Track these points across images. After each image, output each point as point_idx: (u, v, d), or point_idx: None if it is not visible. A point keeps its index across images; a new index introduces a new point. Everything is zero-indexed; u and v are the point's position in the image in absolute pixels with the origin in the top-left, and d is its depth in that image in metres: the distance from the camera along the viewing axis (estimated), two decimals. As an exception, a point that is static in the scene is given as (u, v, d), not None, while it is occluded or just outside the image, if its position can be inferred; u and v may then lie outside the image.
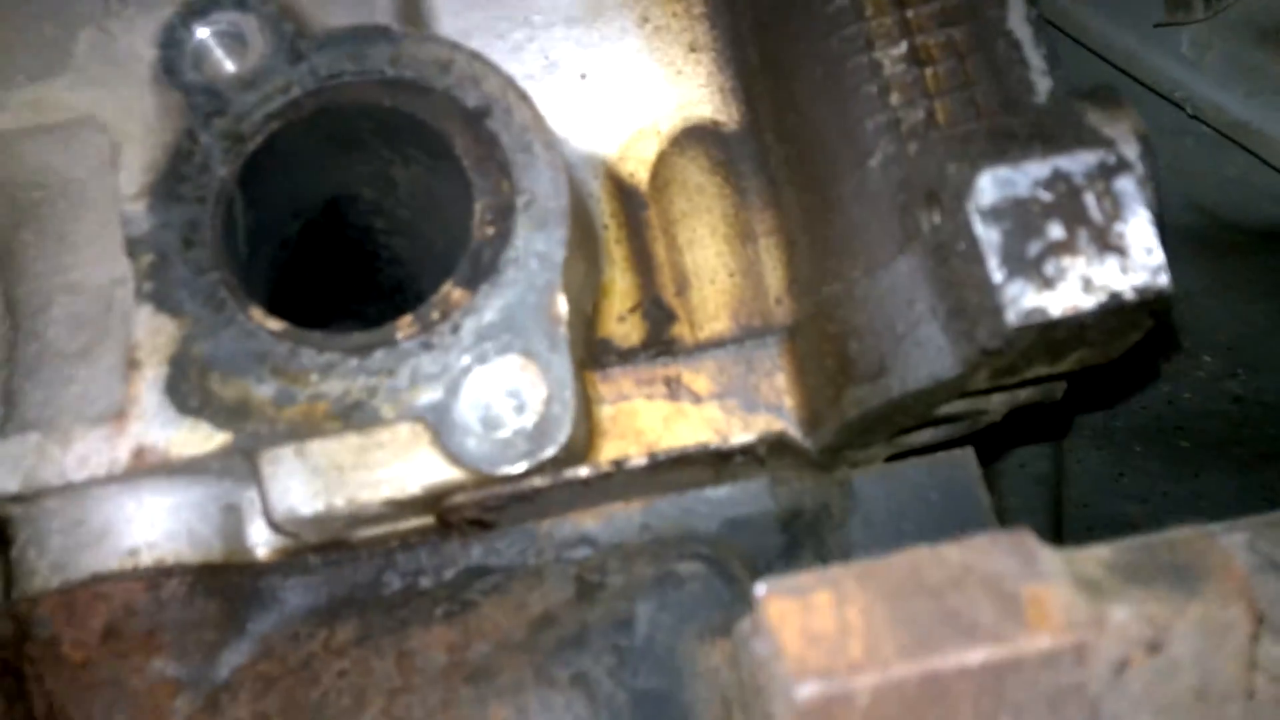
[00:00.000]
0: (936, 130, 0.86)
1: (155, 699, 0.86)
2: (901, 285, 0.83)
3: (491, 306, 0.89)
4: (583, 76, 1.06)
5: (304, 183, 1.02)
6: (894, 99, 0.88)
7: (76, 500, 0.87)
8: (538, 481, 0.89)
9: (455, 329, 0.89)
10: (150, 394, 0.88)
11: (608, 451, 0.94)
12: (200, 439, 0.87)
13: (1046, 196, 0.75)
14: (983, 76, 0.88)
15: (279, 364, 0.89)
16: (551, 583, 0.92)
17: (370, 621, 0.90)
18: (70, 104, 0.94)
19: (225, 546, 0.91)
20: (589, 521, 0.96)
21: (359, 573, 0.93)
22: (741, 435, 0.94)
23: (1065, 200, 0.74)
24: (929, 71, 0.89)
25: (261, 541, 0.93)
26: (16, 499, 0.86)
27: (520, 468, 0.86)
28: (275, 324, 0.89)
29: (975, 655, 0.58)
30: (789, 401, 0.96)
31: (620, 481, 0.93)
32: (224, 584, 0.90)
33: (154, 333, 0.89)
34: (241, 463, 0.89)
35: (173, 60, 0.95)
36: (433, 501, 0.90)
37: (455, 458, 0.87)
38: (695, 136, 1.06)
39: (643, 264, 1.05)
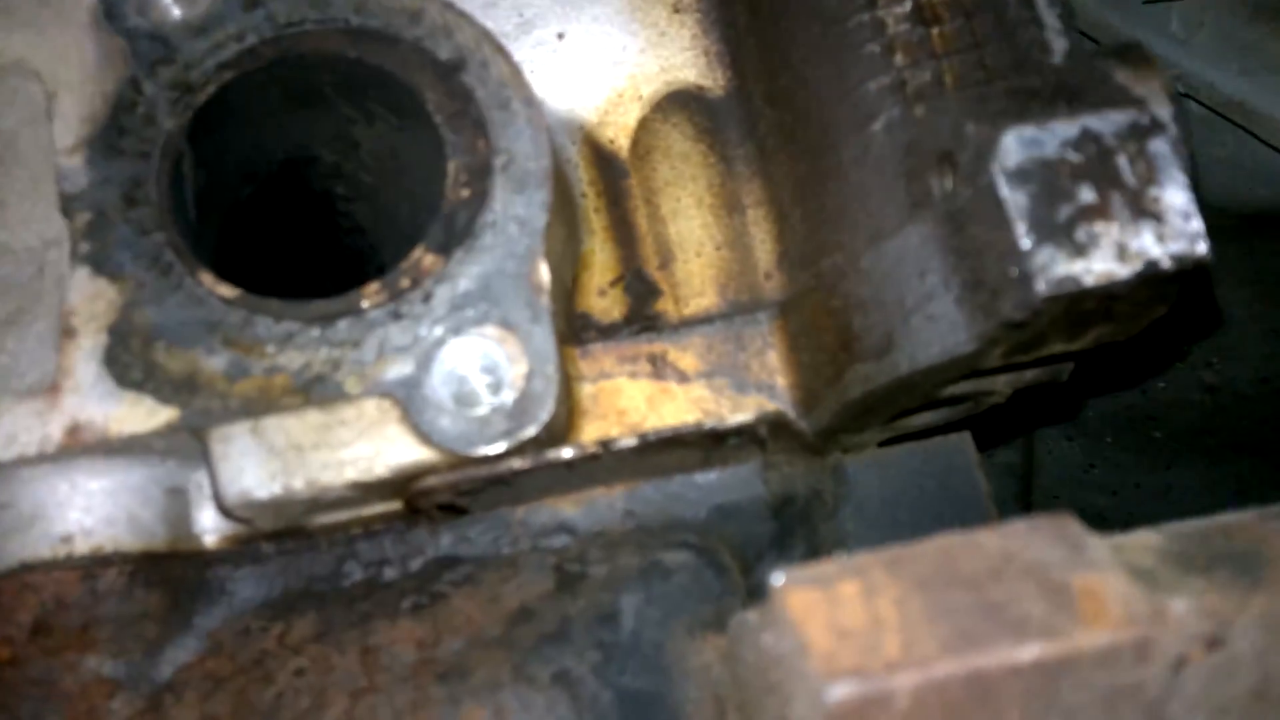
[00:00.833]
0: (945, 92, 0.84)
1: (90, 700, 0.82)
2: (911, 256, 0.80)
3: (467, 274, 0.86)
4: (560, 36, 1.05)
5: (259, 141, 0.98)
6: (899, 59, 0.86)
7: (3, 482, 0.84)
8: (517, 464, 0.85)
9: (427, 297, 0.86)
10: (87, 365, 0.84)
11: (588, 433, 0.92)
12: (142, 415, 0.83)
13: (1076, 158, 0.72)
14: (993, 35, 0.86)
15: (231, 334, 0.85)
16: (528, 574, 0.90)
17: (330, 616, 0.88)
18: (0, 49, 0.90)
19: (169, 534, 0.88)
20: (568, 508, 0.94)
21: (318, 563, 0.91)
22: (736, 416, 0.92)
23: (1096, 162, 0.72)
24: (935, 31, 0.86)
25: (210, 528, 0.90)
26: None
27: (498, 448, 0.83)
28: (228, 290, 0.85)
29: (1026, 653, 0.53)
30: (782, 381, 0.94)
31: (605, 464, 0.90)
32: (167, 575, 0.87)
33: (91, 298, 0.85)
34: (189, 442, 0.86)
35: (115, 3, 0.91)
36: (401, 485, 0.86)
37: (426, 437, 0.84)
38: (679, 101, 1.05)
39: (624, 235, 1.04)
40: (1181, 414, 1.97)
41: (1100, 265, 0.69)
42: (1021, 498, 2.21)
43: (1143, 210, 0.70)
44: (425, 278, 0.85)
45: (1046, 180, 0.71)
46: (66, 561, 0.84)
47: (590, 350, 0.94)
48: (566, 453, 0.87)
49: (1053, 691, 0.54)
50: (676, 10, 1.06)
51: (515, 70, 0.91)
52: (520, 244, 0.86)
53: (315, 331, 0.85)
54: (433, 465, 0.84)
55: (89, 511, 0.85)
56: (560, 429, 0.87)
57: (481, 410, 0.83)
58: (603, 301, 1.01)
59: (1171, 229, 0.70)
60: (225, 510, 0.85)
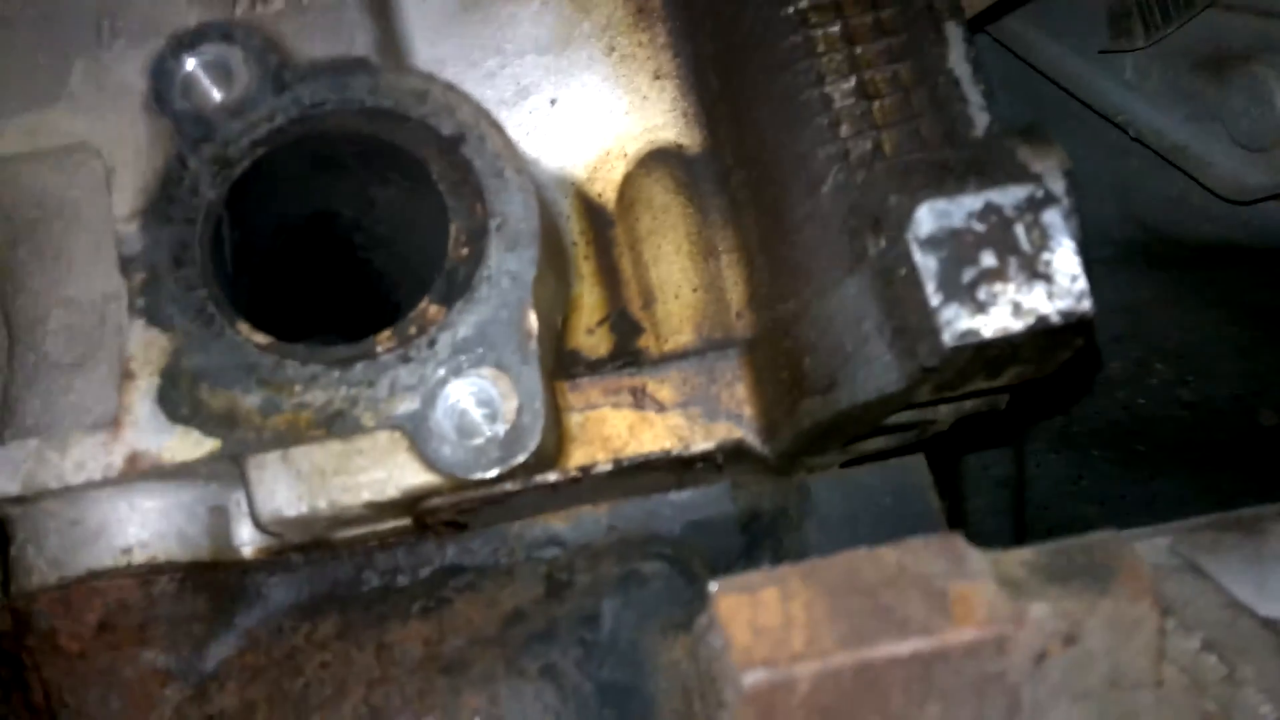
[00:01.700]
0: (883, 160, 0.90)
1: (147, 688, 0.89)
2: (850, 305, 0.87)
3: (466, 322, 0.94)
4: (553, 102, 1.10)
5: (287, 202, 1.06)
6: (844, 130, 0.92)
7: (73, 502, 0.91)
8: (509, 486, 0.93)
9: (432, 343, 0.93)
10: (143, 403, 0.91)
11: (576, 457, 0.98)
12: (190, 445, 0.90)
13: (980, 227, 0.79)
14: (926, 110, 0.92)
15: (265, 375, 0.92)
16: (522, 581, 0.96)
17: (350, 617, 0.94)
18: (66, 130, 0.97)
19: (213, 546, 0.95)
20: (558, 523, 0.99)
21: (339, 571, 0.97)
22: (702, 443, 0.98)
23: (997, 231, 0.79)
24: (876, 105, 0.93)
25: (247, 541, 0.96)
26: (16, 500, 0.90)
27: (493, 473, 0.90)
28: (261, 338, 0.93)
29: (905, 646, 0.64)
30: (748, 410, 1.00)
31: (587, 486, 0.97)
32: (212, 581, 0.93)
33: (146, 346, 0.93)
34: (229, 467, 0.92)
35: (163, 89, 0.98)
36: (410, 504, 0.94)
37: (431, 463, 0.91)
38: (660, 158, 1.09)
39: (610, 279, 1.09)
40: (1163, 428, 2.01)
41: (998, 320, 0.77)
42: (1015, 509, 2.26)
43: (1035, 273, 0.77)
44: (430, 326, 0.93)
45: (954, 247, 0.78)
46: (126, 570, 0.90)
47: (579, 383, 1.00)
48: (552, 477, 0.94)
49: (929, 678, 0.65)
50: (657, 77, 1.10)
51: (508, 143, 0.99)
52: (512, 295, 0.94)
53: (336, 373, 0.93)
54: (437, 488, 0.92)
55: (145, 527, 0.91)
56: (549, 455, 0.95)
57: (479, 440, 0.90)
58: (590, 339, 1.05)
59: (1060, 288, 0.77)
60: (260, 526, 0.93)
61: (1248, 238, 1.48)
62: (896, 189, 0.83)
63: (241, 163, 0.97)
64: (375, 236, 1.14)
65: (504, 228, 0.96)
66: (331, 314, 1.18)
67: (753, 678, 0.64)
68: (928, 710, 0.65)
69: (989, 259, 0.79)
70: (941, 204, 0.80)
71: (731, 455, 0.99)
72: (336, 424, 0.92)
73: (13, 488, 0.89)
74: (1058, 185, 0.82)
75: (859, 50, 0.94)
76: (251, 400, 0.92)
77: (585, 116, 1.10)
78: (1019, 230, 0.79)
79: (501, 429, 0.91)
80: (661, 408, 1.01)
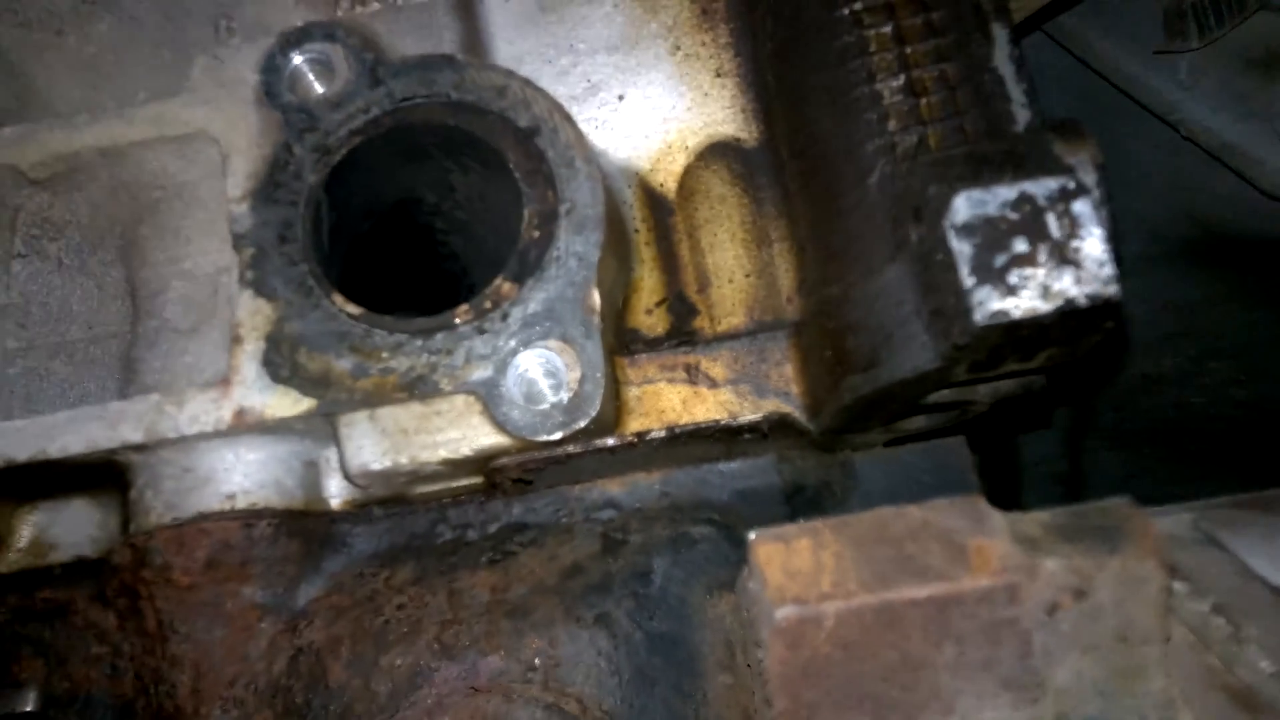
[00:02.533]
0: (927, 153, 0.95)
1: (246, 620, 0.96)
2: (892, 289, 0.92)
3: (535, 299, 1.01)
4: (620, 98, 1.17)
5: (377, 188, 1.14)
6: (891, 125, 0.97)
7: (186, 451, 0.98)
8: (571, 448, 0.99)
9: (504, 317, 1.01)
10: (249, 365, 0.99)
11: (632, 426, 1.05)
12: (290, 403, 0.98)
13: (1013, 215, 0.84)
14: (970, 106, 0.97)
15: (356, 342, 1.00)
16: (580, 539, 1.02)
17: (425, 565, 1.00)
18: (187, 119, 1.06)
19: (305, 496, 1.02)
20: (614, 488, 1.05)
21: (416, 524, 1.03)
22: (750, 416, 1.04)
23: (1029, 219, 0.83)
24: (923, 101, 0.98)
25: (335, 494, 1.04)
26: (138, 449, 0.99)
27: (557, 435, 0.97)
28: (354, 309, 1.01)
29: (924, 590, 0.70)
30: (795, 388, 1.06)
31: (642, 452, 1.03)
32: (303, 528, 1.00)
33: (253, 314, 1.00)
34: (322, 425, 1.00)
35: (272, 83, 1.06)
36: (481, 462, 1.01)
37: (501, 426, 0.97)
38: (719, 152, 1.15)
39: (669, 264, 1.15)
40: (1215, 428, 2.01)
41: (1028, 303, 0.81)
42: (1068, 505, 2.26)
43: (1065, 259, 0.82)
44: (503, 301, 1.00)
45: (988, 233, 0.83)
46: (230, 514, 0.97)
47: (637, 359, 1.07)
48: (610, 441, 1.00)
49: (945, 620, 0.71)
50: (719, 75, 1.16)
51: (579, 135, 1.06)
52: (579, 275, 1.00)
53: (419, 342, 0.99)
54: (506, 448, 0.98)
55: (247, 476, 0.98)
56: (608, 422, 1.01)
57: (545, 406, 0.97)
58: (649, 319, 1.12)
59: (1088, 273, 0.82)
60: (349, 478, 1.00)
61: (1300, 237, 1.50)
62: (937, 180, 0.88)
63: (340, 151, 1.05)
64: (454, 220, 1.22)
65: (573, 213, 1.03)
66: (412, 290, 1.26)
67: (784, 612, 0.71)
68: (944, 649, 0.72)
69: (1021, 245, 0.83)
70: (978, 193, 0.85)
71: (777, 428, 1.05)
72: (418, 387, 0.98)
73: (136, 436, 0.97)
74: (1089, 177, 0.87)
75: (909, 50, 0.99)
76: (344, 364, 0.99)
77: (650, 111, 1.17)
78: (1050, 219, 0.84)
79: (565, 396, 0.97)
80: (714, 384, 1.07)
